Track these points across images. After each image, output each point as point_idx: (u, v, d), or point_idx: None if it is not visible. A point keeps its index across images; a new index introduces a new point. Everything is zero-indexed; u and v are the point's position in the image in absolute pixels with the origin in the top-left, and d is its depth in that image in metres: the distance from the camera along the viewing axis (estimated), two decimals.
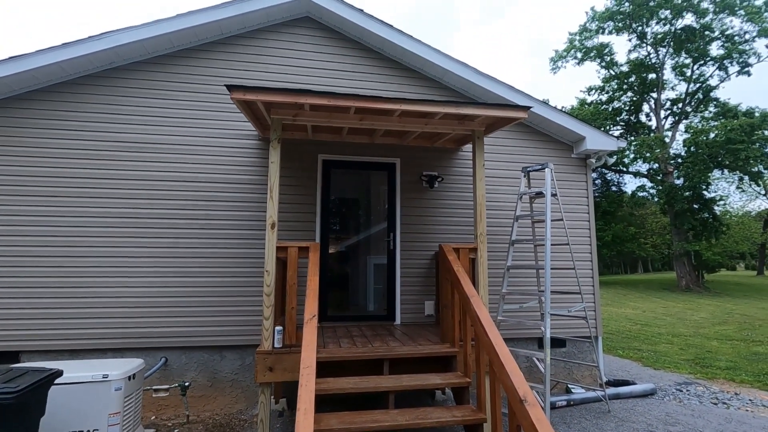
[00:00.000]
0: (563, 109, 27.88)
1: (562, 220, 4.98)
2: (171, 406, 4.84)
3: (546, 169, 4.87)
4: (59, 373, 3.25)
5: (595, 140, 5.79)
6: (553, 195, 4.96)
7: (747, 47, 23.92)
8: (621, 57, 44.09)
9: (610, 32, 27.15)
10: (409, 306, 5.43)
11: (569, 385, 5.45)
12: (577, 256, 5.76)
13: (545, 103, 5.73)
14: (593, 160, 6.00)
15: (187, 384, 4.63)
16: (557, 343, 5.61)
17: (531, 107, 4.08)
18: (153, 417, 4.75)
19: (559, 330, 5.60)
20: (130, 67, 5.21)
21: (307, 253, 3.79)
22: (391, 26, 5.54)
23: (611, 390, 5.34)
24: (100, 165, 4.98)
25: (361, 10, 5.51)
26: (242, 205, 5.20)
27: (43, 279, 4.71)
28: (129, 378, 3.87)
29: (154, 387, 4.63)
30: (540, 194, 5.02)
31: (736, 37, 24.07)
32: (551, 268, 5.31)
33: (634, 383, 5.77)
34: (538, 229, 5.36)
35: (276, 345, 3.61)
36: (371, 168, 5.63)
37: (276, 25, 5.61)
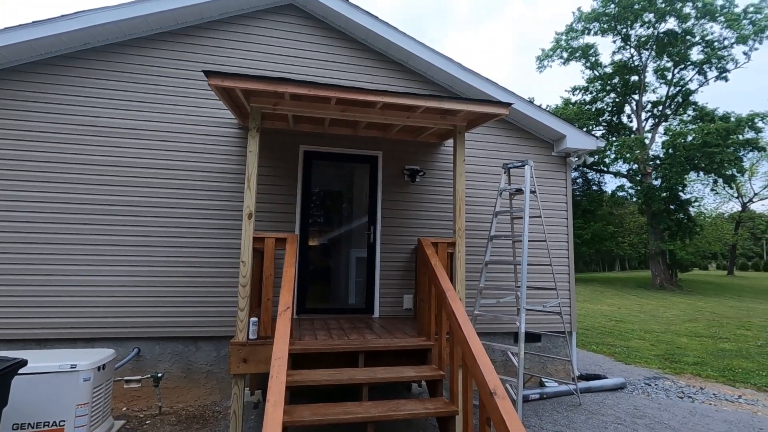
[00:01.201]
0: (547, 108, 28.26)
1: (540, 217, 5.04)
2: (143, 398, 4.76)
3: (526, 167, 4.92)
4: (23, 363, 3.16)
5: (576, 139, 5.87)
6: (533, 192, 5.01)
7: (725, 53, 24.56)
8: (605, 58, 44.71)
9: (596, 33, 27.50)
10: (388, 299, 5.44)
11: (543, 379, 5.56)
12: (554, 253, 5.85)
13: (528, 100, 5.78)
14: (573, 159, 6.08)
15: (159, 375, 4.55)
16: (532, 337, 5.71)
17: (512, 104, 4.10)
18: (124, 408, 4.67)
19: (535, 325, 5.70)
20: (106, 49, 5.04)
21: (284, 245, 3.75)
22: (375, 17, 5.48)
23: (583, 384, 5.46)
24: (72, 150, 4.82)
25: (347, 0, 5.43)
26: (220, 195, 5.11)
27: (9, 265, 4.55)
28: (99, 368, 3.78)
29: (126, 378, 4.54)
30: (519, 191, 5.07)
31: (716, 43, 24.68)
32: (528, 264, 5.39)
33: (605, 377, 5.92)
34: (517, 226, 5.42)
35: (251, 336, 3.57)
36: (353, 160, 5.60)
37: (259, 11, 5.49)
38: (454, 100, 3.90)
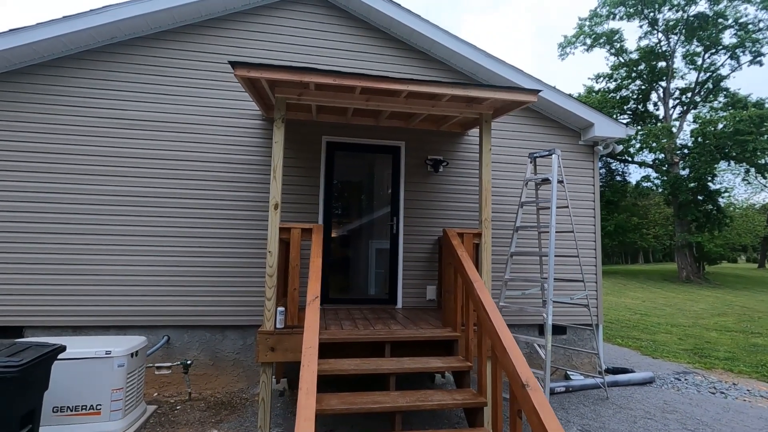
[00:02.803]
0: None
1: (567, 207, 4.93)
2: (173, 384, 4.89)
3: (553, 156, 4.80)
4: (62, 348, 3.27)
5: (604, 127, 5.69)
6: (560, 182, 4.90)
7: (761, 36, 23.42)
8: (631, 44, 43.15)
9: (621, 18, 26.59)
10: (411, 290, 5.43)
11: (568, 372, 5.48)
12: (581, 244, 5.72)
13: (554, 88, 5.62)
14: (601, 148, 5.91)
15: (189, 362, 4.67)
16: (558, 330, 5.62)
17: (540, 91, 3.99)
18: (155, 394, 4.81)
19: (561, 317, 5.61)
20: (132, 43, 5.11)
21: (310, 235, 3.76)
22: (398, 5, 5.40)
23: (610, 377, 5.37)
24: (104, 142, 4.93)
25: None
26: (246, 186, 5.16)
27: (47, 255, 4.71)
28: (132, 355, 3.89)
29: (157, 364, 4.67)
30: (546, 181, 4.96)
31: (750, 26, 23.55)
32: (555, 256, 5.29)
33: (632, 371, 5.80)
34: (543, 216, 5.32)
35: (278, 326, 3.61)
36: (376, 151, 5.57)
37: (282, 1, 5.48)
38: (481, 87, 3.82)
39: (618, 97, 28.16)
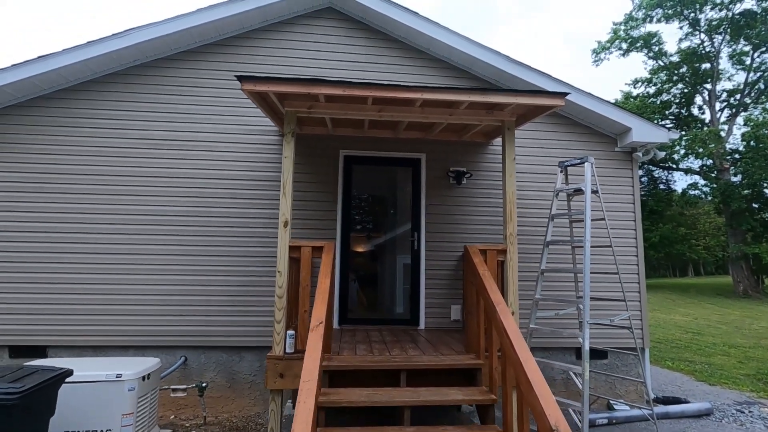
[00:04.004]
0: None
1: (604, 219, 4.50)
2: (190, 406, 4.77)
3: (585, 164, 4.42)
4: (69, 373, 3.20)
5: (643, 132, 5.24)
6: (594, 192, 4.50)
7: None
8: (671, 46, 41.42)
9: (659, 20, 25.45)
10: (434, 310, 5.12)
11: (611, 401, 4.96)
12: (621, 259, 5.24)
13: (585, 91, 5.25)
14: (640, 154, 5.45)
15: (204, 384, 4.54)
16: (598, 354, 5.12)
17: (568, 94, 3.67)
18: (172, 416, 4.70)
19: (600, 340, 5.11)
20: (153, 64, 5.19)
21: (321, 254, 3.57)
22: (416, 13, 5.24)
23: (660, 408, 4.81)
24: (124, 162, 4.98)
25: None
26: (264, 203, 5.07)
27: (69, 275, 4.76)
28: (143, 378, 3.79)
29: (173, 387, 4.57)
30: (579, 191, 4.57)
31: None
32: (592, 273, 4.85)
33: (686, 401, 5.20)
34: (577, 230, 4.90)
35: (287, 350, 3.41)
36: (395, 164, 5.36)
37: (298, 17, 5.44)
38: (501, 92, 3.55)
39: (658, 102, 26.81)
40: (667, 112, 26.93)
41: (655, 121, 25.98)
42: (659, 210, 26.33)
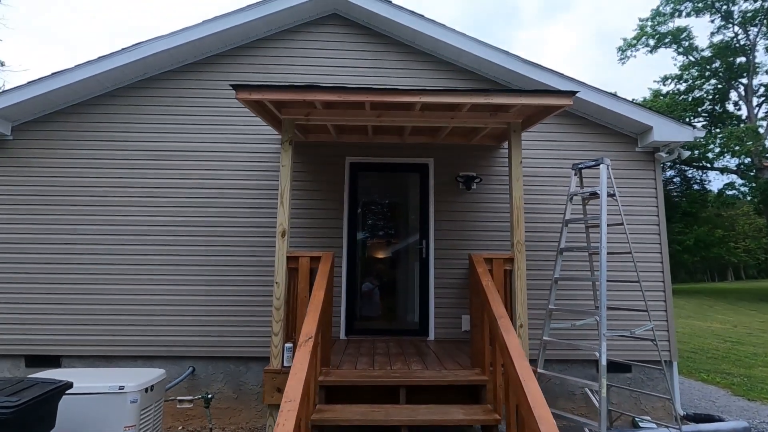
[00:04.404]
0: (633, 101, 25.65)
1: (622, 224, 4.24)
2: (197, 417, 4.75)
3: (601, 165, 4.18)
4: (68, 386, 3.20)
5: (665, 130, 4.94)
6: (611, 195, 4.24)
7: None
8: (702, 41, 39.71)
9: (688, 14, 24.45)
10: (444, 320, 4.94)
11: (636, 418, 4.65)
12: (643, 266, 4.94)
13: (601, 90, 4.99)
14: (663, 154, 5.13)
15: (209, 396, 4.50)
16: (620, 368, 4.82)
17: (576, 92, 3.46)
18: (180, 427, 4.69)
19: (623, 352, 4.81)
20: (162, 77, 5.26)
21: (319, 264, 3.47)
22: (421, 16, 5.13)
23: (691, 427, 4.46)
24: (135, 174, 5.05)
25: (389, 1, 5.15)
26: (273, 212, 5.02)
27: (81, 286, 4.84)
28: (146, 390, 3.77)
29: (179, 398, 4.56)
30: (594, 195, 4.32)
31: None
32: (611, 281, 4.59)
33: (720, 418, 4.81)
34: (593, 235, 4.64)
35: (285, 363, 3.32)
36: (402, 170, 5.24)
37: (303, 24, 5.42)
38: (504, 93, 3.38)
39: (690, 99, 25.67)
40: (699, 109, 25.76)
41: (688, 119, 24.94)
42: (693, 211, 25.10)
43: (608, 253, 4.47)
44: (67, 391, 3.32)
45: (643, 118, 4.98)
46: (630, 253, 4.20)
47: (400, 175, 5.34)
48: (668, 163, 28.75)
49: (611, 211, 4.54)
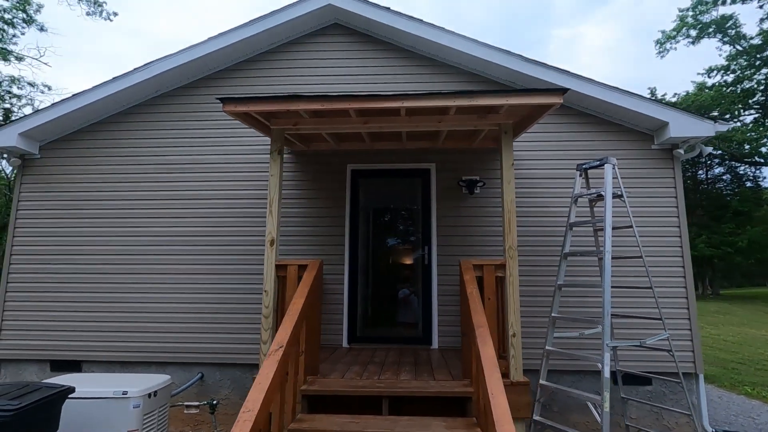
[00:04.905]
0: (675, 97, 24.34)
1: (631, 227, 3.98)
2: (205, 422, 4.86)
3: (605, 165, 3.95)
4: (70, 390, 3.36)
5: (682, 125, 4.62)
6: (618, 196, 4.01)
7: None
8: (750, 29, 36.96)
9: (733, 1, 22.94)
10: (448, 328, 4.82)
11: None
12: (662, 271, 4.63)
13: (609, 85, 4.75)
14: (682, 151, 4.80)
15: (215, 402, 4.59)
16: (639, 380, 4.51)
17: (567, 90, 3.29)
18: None
19: (642, 363, 4.50)
20: (173, 93, 5.49)
21: (306, 270, 3.48)
22: (420, 20, 5.09)
23: None
24: (148, 187, 5.28)
25: (388, 8, 5.15)
26: (280, 221, 5.09)
27: (100, 294, 5.10)
28: (149, 395, 3.89)
29: (186, 403, 4.68)
30: (601, 196, 4.09)
31: None
32: (620, 287, 4.36)
33: None
34: (602, 239, 4.39)
35: None
36: (403, 175, 5.19)
37: (305, 35, 5.51)
38: (489, 94, 3.28)
39: (739, 91, 23.98)
40: (750, 101, 24.00)
41: (737, 112, 23.31)
42: (746, 210, 23.35)
43: (618, 258, 4.24)
44: (72, 396, 3.50)
45: (656, 113, 4.68)
46: (641, 257, 3.94)
47: (402, 180, 5.29)
48: (716, 160, 26.88)
49: (620, 213, 4.29)
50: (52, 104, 5.30)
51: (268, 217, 3.56)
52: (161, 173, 5.31)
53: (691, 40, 25.05)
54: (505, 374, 3.35)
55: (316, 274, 3.37)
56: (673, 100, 27.02)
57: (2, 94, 14.81)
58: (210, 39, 5.23)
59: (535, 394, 3.83)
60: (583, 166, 4.24)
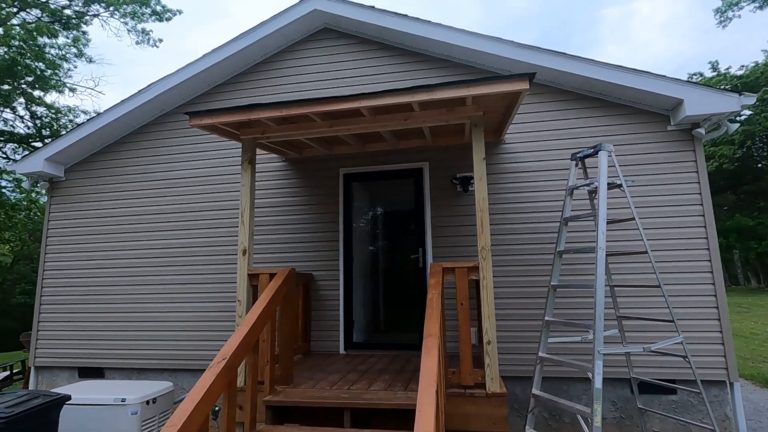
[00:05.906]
0: (742, 70, 22.01)
1: (633, 219, 3.58)
2: (213, 428, 4.99)
3: (600, 153, 3.58)
4: (66, 398, 3.57)
5: (699, 101, 4.10)
6: (617, 186, 3.63)
7: None
8: None
9: None
10: (448, 333, 4.57)
11: None
12: (683, 266, 4.14)
13: (611, 64, 4.32)
14: (702, 131, 4.25)
15: (216, 408, 4.71)
16: (660, 389, 4.03)
17: (534, 75, 3.00)
18: None
19: (664, 369, 4.04)
20: (175, 111, 5.74)
21: (273, 279, 3.45)
22: (405, 16, 4.95)
23: None
24: (155, 202, 5.55)
25: (373, 7, 5.05)
26: (277, 228, 5.18)
27: (118, 305, 5.43)
28: (147, 402, 4.07)
29: None
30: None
31: None
32: (639, 286, 3.97)
33: None
34: (609, 232, 3.98)
35: (247, 381, 3.33)
36: (395, 176, 5.04)
37: (296, 43, 5.54)
38: (450, 86, 3.08)
39: None
40: None
41: None
42: None
43: (621, 254, 3.87)
44: (73, 403, 3.72)
45: (670, 90, 4.19)
46: (646, 252, 3.52)
47: (395, 182, 5.16)
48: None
49: (621, 204, 3.88)
50: (70, 130, 5.74)
51: (240, 227, 3.59)
52: (169, 188, 5.55)
53: (758, 4, 22.48)
54: (480, 385, 3.13)
55: (285, 282, 3.33)
56: (739, 73, 24.43)
57: (66, 123, 16.30)
58: (205, 55, 5.41)
59: (527, 404, 3.54)
60: (578, 155, 3.88)
